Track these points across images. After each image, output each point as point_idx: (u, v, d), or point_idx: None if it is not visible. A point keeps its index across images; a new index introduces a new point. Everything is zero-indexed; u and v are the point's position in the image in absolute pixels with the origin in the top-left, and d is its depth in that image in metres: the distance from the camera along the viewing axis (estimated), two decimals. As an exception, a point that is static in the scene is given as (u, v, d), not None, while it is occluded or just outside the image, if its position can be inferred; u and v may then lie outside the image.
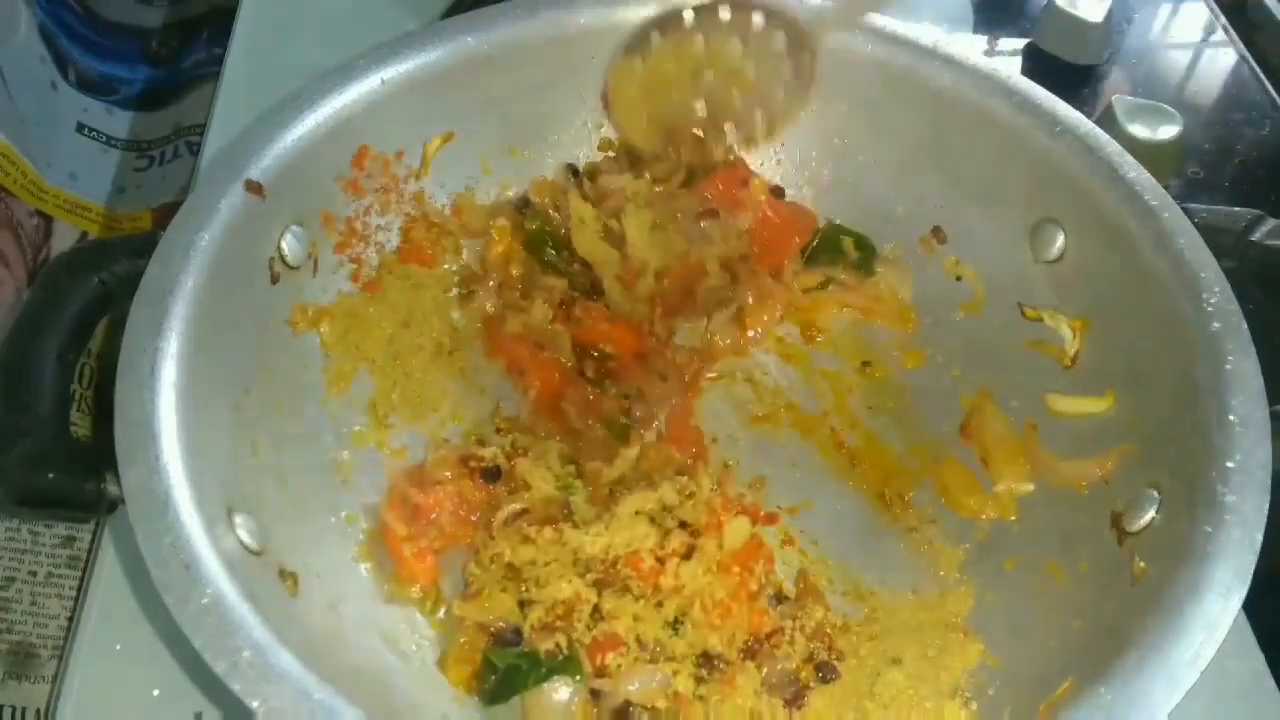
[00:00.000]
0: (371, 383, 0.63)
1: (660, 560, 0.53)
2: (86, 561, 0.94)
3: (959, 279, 0.67)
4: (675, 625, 0.53)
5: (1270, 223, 0.57)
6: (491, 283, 0.68)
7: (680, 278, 0.67)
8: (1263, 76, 0.92)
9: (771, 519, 0.59)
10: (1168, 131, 0.81)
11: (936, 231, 0.68)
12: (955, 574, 0.58)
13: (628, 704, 0.51)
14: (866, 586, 0.58)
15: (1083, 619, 0.51)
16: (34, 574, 0.95)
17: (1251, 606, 0.45)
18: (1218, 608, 0.44)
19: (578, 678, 0.51)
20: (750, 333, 0.67)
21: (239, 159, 0.57)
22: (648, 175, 0.69)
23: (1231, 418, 0.49)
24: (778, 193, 0.71)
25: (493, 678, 0.51)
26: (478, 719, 0.52)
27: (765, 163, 0.72)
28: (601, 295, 0.67)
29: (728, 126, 0.61)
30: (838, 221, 0.70)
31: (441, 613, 0.56)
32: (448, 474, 0.58)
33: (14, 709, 0.89)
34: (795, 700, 0.51)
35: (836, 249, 0.69)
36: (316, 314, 0.61)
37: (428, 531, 0.56)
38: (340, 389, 0.62)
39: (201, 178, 0.61)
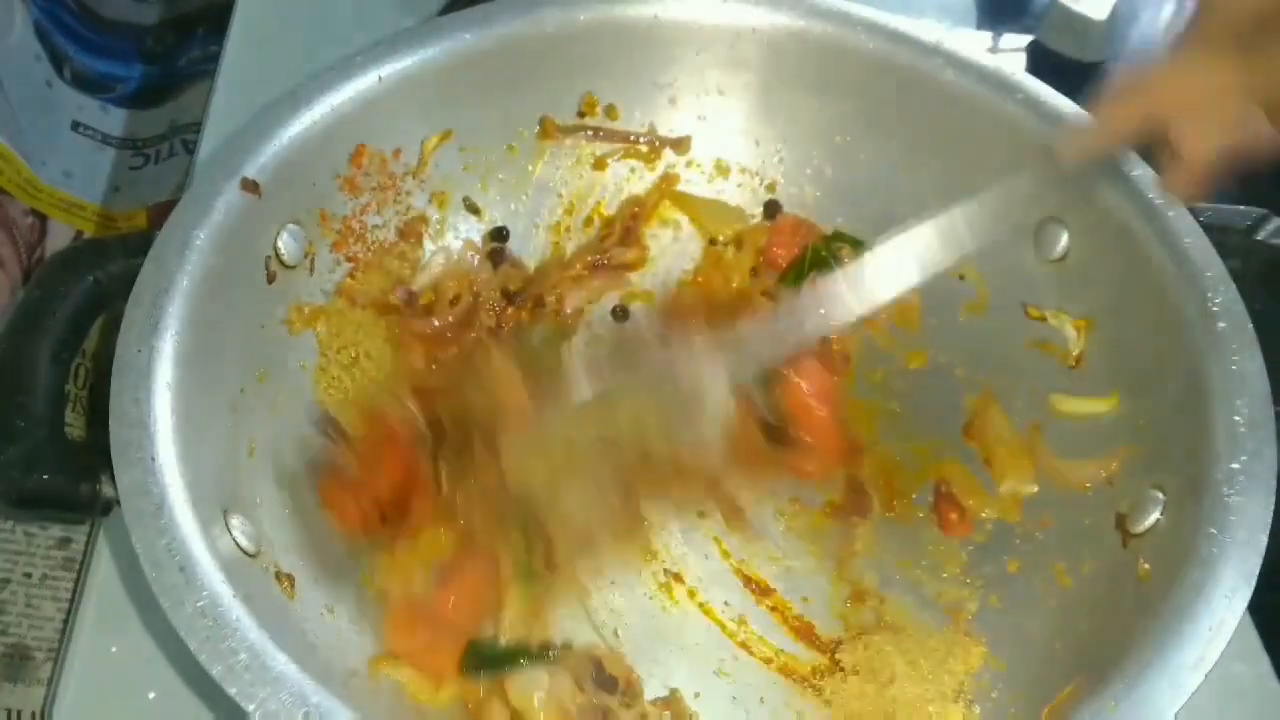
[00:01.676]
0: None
1: None
2: (82, 563, 0.94)
3: (962, 278, 0.67)
4: None
5: (1276, 222, 0.56)
6: None
7: None
8: (1266, 74, 0.92)
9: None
10: (1171, 130, 0.81)
11: (939, 230, 0.67)
12: (958, 575, 0.58)
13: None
14: (868, 588, 0.58)
15: (1086, 621, 0.51)
16: (29, 576, 0.95)
17: (1257, 608, 0.45)
18: (1223, 610, 0.43)
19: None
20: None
21: (235, 157, 0.56)
22: None
23: (1236, 418, 0.49)
24: (772, 208, 0.71)
25: (472, 657, 0.52)
26: (476, 722, 0.52)
27: (766, 162, 0.71)
28: None
29: None
30: (840, 221, 0.70)
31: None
32: None
33: (9, 712, 0.89)
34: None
35: (826, 264, 0.67)
36: (313, 313, 0.61)
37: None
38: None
39: (197, 176, 0.60)
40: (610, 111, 0.70)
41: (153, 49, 1.23)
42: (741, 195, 0.72)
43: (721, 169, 0.72)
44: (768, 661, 0.55)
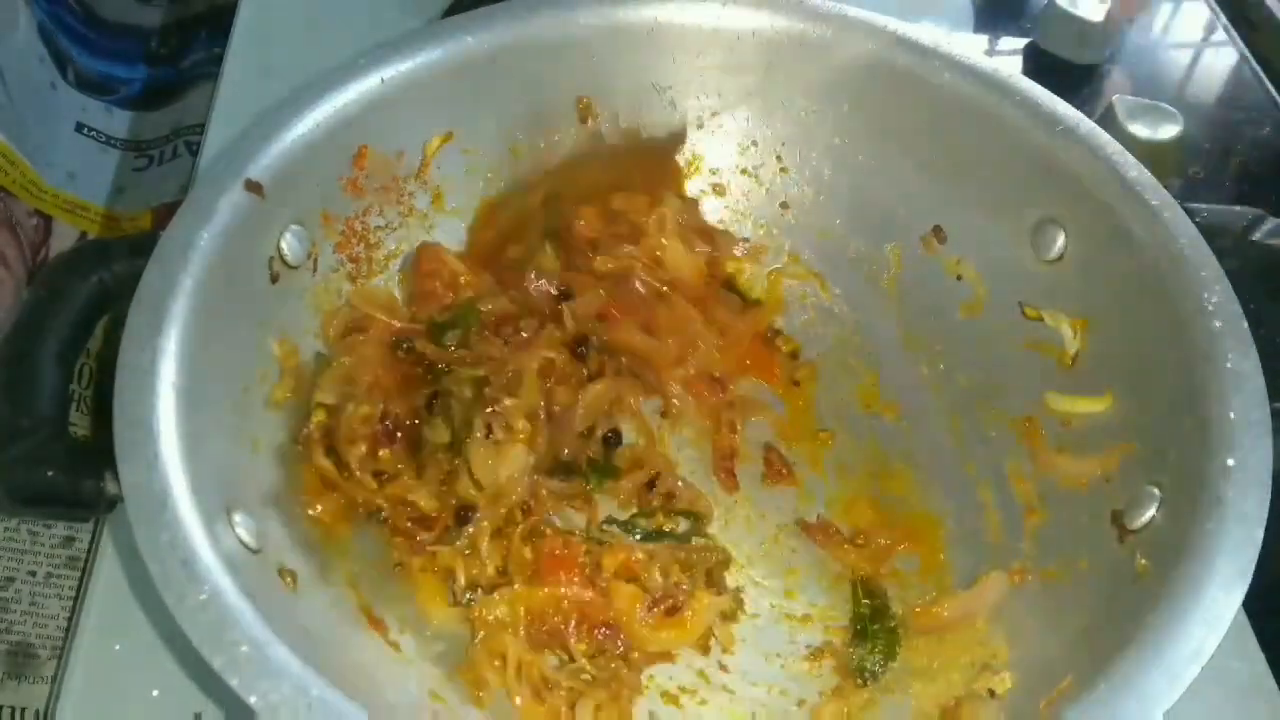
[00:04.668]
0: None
1: None
2: (86, 561, 0.94)
3: (959, 278, 0.67)
4: None
5: (1271, 222, 0.57)
6: None
7: None
8: (1263, 76, 0.93)
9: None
10: (1168, 131, 0.81)
11: (937, 231, 0.68)
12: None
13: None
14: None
15: (1084, 616, 0.51)
16: (33, 574, 0.95)
17: (1252, 605, 0.45)
18: (1218, 606, 0.44)
19: None
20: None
21: (238, 158, 0.57)
22: None
23: (1232, 416, 0.49)
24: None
25: None
26: (475, 716, 0.52)
27: (765, 163, 0.72)
28: None
29: None
30: (839, 223, 0.70)
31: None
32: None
33: (13, 709, 0.89)
34: None
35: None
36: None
37: None
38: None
39: (201, 177, 0.61)
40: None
41: (156, 51, 1.24)
42: (740, 195, 0.72)
43: (721, 170, 0.72)
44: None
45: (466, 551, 0.55)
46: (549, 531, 0.56)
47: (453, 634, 0.54)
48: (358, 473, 0.57)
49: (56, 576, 0.96)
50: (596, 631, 0.54)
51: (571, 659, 0.53)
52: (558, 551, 0.54)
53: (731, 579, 0.59)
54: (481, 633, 0.53)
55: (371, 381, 0.59)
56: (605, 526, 0.59)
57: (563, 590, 0.53)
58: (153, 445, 0.46)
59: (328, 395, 0.58)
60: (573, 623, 0.53)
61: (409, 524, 0.56)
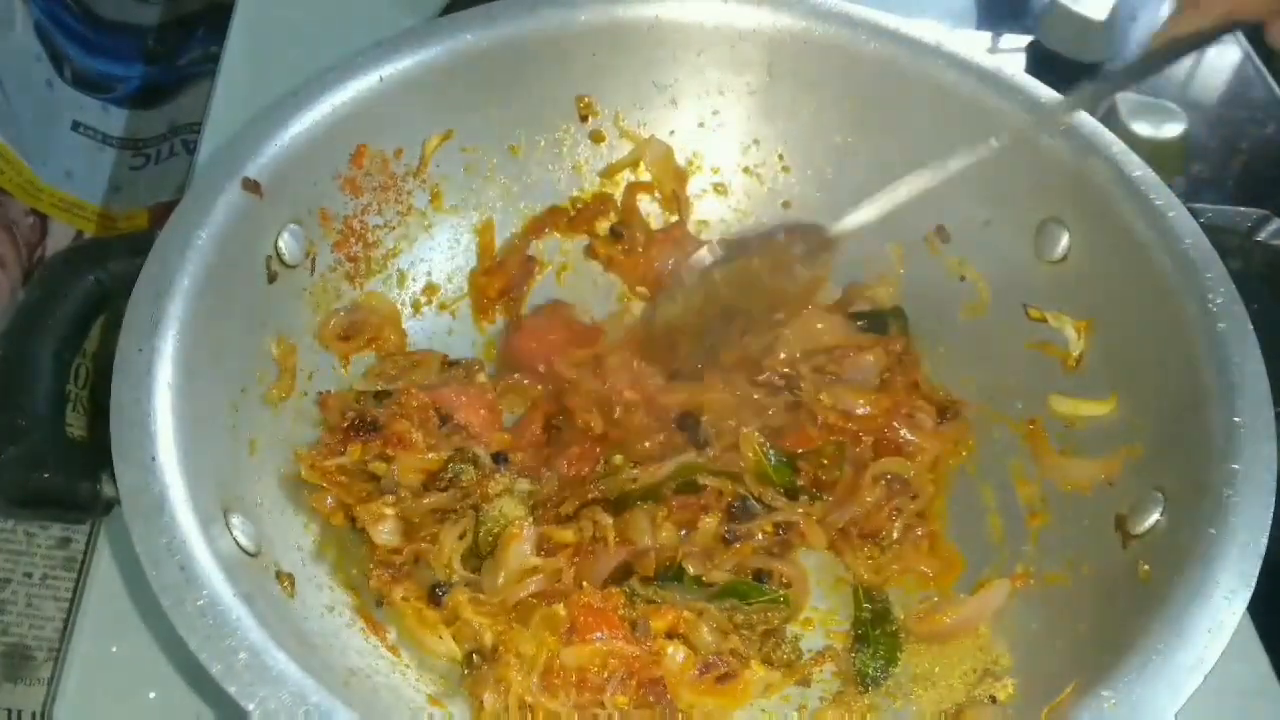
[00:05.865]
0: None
1: None
2: (82, 563, 0.94)
3: (962, 279, 0.67)
4: None
5: (1276, 223, 0.56)
6: None
7: None
8: (1267, 74, 0.92)
9: None
10: (1172, 129, 0.81)
11: (940, 230, 0.67)
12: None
13: None
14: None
15: (1087, 622, 0.51)
16: (29, 575, 0.95)
17: (1256, 609, 0.45)
18: (1222, 610, 0.44)
19: None
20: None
21: (236, 157, 0.56)
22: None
23: (1236, 419, 0.49)
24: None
25: None
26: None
27: (767, 161, 0.71)
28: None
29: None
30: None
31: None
32: None
33: (9, 711, 0.89)
34: None
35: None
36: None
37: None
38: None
39: (198, 176, 0.60)
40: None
41: (153, 49, 1.24)
42: (742, 195, 0.72)
43: (723, 169, 0.72)
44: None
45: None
46: (584, 585, 0.54)
47: (453, 650, 0.53)
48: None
49: (53, 578, 0.95)
50: (641, 688, 0.51)
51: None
52: (596, 605, 0.51)
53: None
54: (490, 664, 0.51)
55: None
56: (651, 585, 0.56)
57: (604, 646, 0.50)
58: (150, 447, 0.46)
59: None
60: (618, 678, 0.50)
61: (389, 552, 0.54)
